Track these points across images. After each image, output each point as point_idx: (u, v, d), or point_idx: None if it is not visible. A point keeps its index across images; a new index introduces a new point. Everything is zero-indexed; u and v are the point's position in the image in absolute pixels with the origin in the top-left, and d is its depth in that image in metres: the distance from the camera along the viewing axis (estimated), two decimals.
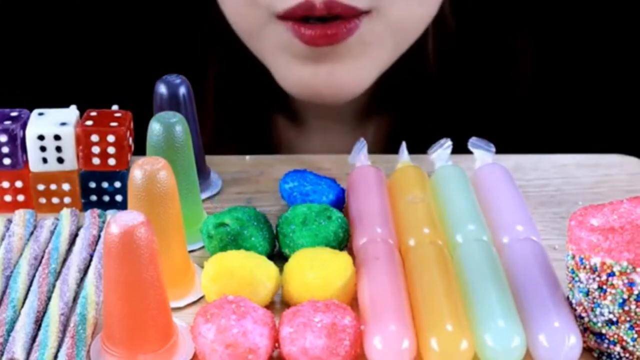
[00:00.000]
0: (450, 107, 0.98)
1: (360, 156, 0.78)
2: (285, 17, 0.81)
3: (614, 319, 0.60)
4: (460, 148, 0.80)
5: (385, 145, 0.96)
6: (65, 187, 0.75)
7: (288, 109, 0.97)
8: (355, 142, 0.78)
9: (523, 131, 1.00)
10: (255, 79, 0.93)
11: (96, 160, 0.74)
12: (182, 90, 0.76)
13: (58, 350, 0.62)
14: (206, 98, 0.82)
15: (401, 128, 0.96)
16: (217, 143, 0.94)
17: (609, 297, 0.60)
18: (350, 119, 0.97)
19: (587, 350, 0.62)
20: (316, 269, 0.65)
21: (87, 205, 0.76)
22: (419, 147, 0.80)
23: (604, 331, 0.61)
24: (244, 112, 0.98)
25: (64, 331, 0.63)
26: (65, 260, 0.70)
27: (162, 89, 0.76)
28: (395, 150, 0.80)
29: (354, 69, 0.83)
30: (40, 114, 0.75)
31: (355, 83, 0.84)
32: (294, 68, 0.84)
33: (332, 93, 0.84)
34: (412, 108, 0.97)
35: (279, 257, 0.70)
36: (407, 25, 0.84)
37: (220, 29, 0.92)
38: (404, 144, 0.80)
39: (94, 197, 0.76)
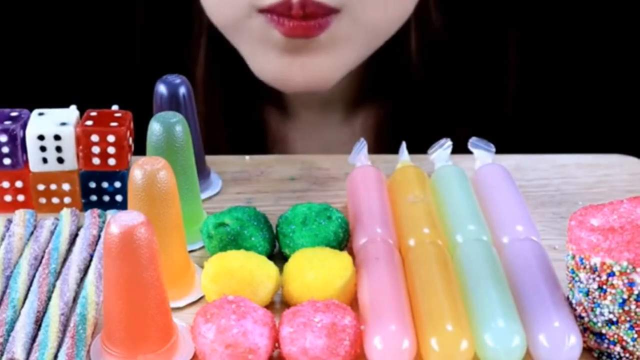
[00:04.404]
0: (440, 102, 0.99)
1: (360, 156, 0.78)
2: (265, 11, 0.85)
3: (614, 319, 0.60)
4: (459, 147, 0.80)
5: (375, 137, 0.97)
6: (65, 187, 0.75)
7: (278, 102, 0.98)
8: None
9: (523, 131, 1.00)
10: (243, 72, 0.94)
11: (96, 160, 0.74)
12: (182, 90, 0.76)
13: (58, 350, 0.62)
14: (195, 93, 0.83)
15: (389, 121, 0.98)
16: (210, 139, 0.94)
17: (609, 297, 0.60)
18: (340, 111, 0.98)
19: (587, 350, 0.62)
20: (316, 269, 0.65)
21: (87, 205, 0.76)
22: (411, 141, 0.81)
23: (604, 331, 0.61)
24: (234, 106, 0.99)
25: (64, 331, 0.63)
26: (65, 260, 0.70)
27: (162, 89, 0.76)
28: (384, 141, 0.80)
29: (325, 62, 0.87)
30: (40, 114, 0.75)
31: (326, 75, 0.88)
32: (270, 58, 0.87)
33: (304, 83, 0.88)
34: (397, 101, 0.98)
35: (279, 257, 0.70)
36: (376, 25, 0.88)
37: (205, 27, 0.94)
38: (403, 144, 0.80)
39: (94, 197, 0.76)
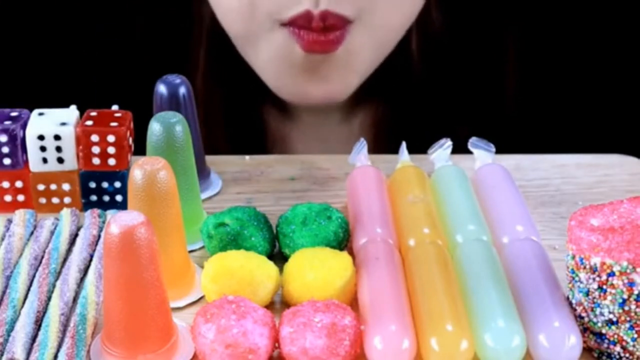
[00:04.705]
0: (440, 102, 0.99)
1: (360, 156, 0.78)
2: (287, 24, 0.86)
3: (614, 319, 0.60)
4: (459, 147, 0.80)
5: (375, 136, 0.98)
6: (65, 187, 0.75)
7: (278, 102, 0.98)
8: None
9: (523, 131, 1.01)
10: (244, 75, 0.95)
11: (96, 160, 0.74)
12: (182, 90, 0.76)
13: (58, 350, 0.62)
14: (196, 95, 0.84)
15: (388, 121, 0.99)
16: (210, 139, 0.94)
17: (609, 297, 0.60)
18: (340, 111, 0.99)
19: (587, 350, 0.62)
20: (316, 269, 0.65)
21: (87, 205, 0.76)
22: (411, 141, 0.81)
23: (604, 331, 0.61)
24: (234, 106, 0.99)
25: (64, 331, 0.63)
26: (65, 260, 0.70)
27: (162, 89, 0.76)
28: (384, 141, 0.81)
29: (342, 75, 0.90)
30: (40, 114, 0.75)
31: (344, 87, 0.91)
32: (288, 75, 0.90)
33: (322, 96, 0.91)
34: (397, 101, 0.99)
35: (279, 257, 0.70)
36: (386, 31, 0.90)
37: (205, 27, 0.94)
38: (403, 144, 0.80)
39: (94, 197, 0.76)
